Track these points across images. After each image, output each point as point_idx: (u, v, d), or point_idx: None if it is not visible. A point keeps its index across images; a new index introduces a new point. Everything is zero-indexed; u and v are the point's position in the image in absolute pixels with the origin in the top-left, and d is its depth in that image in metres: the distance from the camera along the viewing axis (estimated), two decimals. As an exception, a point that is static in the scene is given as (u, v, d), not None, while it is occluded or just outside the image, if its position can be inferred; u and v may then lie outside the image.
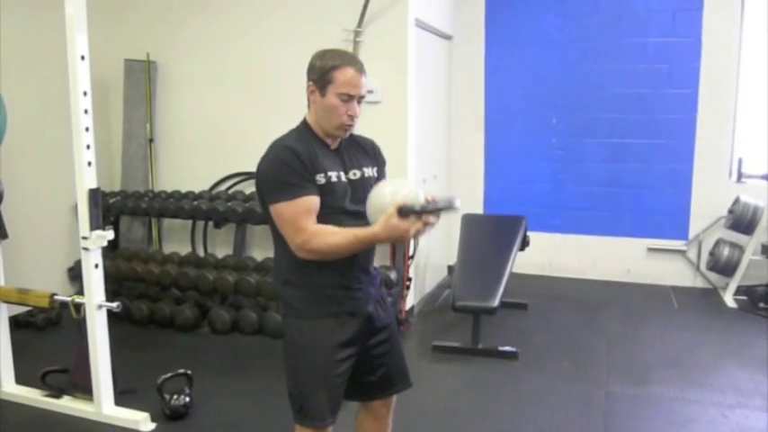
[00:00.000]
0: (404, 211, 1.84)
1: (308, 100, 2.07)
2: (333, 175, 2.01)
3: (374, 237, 1.91)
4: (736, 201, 5.41)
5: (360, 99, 2.03)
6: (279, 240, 2.06)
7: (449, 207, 1.86)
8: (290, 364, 2.11)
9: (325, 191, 1.98)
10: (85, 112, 3.17)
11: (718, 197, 5.60)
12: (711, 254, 5.57)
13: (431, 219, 1.87)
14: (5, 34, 4.54)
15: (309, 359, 2.06)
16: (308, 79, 2.04)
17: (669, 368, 4.04)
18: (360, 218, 1.99)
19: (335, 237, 1.93)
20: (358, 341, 2.11)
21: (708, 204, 5.69)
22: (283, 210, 1.95)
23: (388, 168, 2.27)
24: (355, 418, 2.39)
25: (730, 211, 5.47)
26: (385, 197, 1.91)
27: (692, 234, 5.80)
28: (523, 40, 6.03)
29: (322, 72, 2.00)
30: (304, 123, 2.10)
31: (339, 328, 2.06)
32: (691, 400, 3.61)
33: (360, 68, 2.02)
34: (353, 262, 2.05)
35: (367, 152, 2.18)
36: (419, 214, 1.85)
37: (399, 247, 4.68)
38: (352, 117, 2.02)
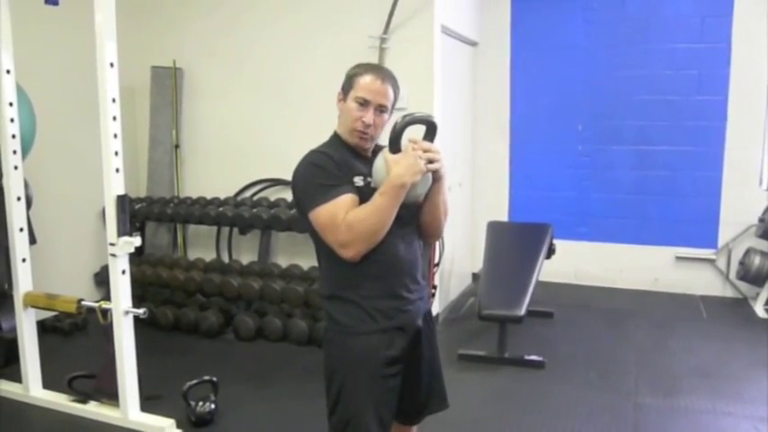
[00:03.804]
0: (391, 141, 1.94)
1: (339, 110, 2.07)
2: (371, 180, 1.97)
3: (390, 182, 1.87)
4: (767, 209, 5.31)
5: (380, 108, 1.98)
6: (322, 253, 2.02)
7: (424, 118, 1.99)
8: (332, 382, 2.02)
9: (365, 194, 1.93)
10: (114, 118, 3.20)
11: (749, 205, 5.51)
12: (741, 263, 5.46)
13: (425, 144, 1.94)
14: (34, 40, 4.60)
15: (356, 377, 1.97)
16: (341, 88, 2.04)
17: (699, 379, 3.96)
18: (401, 222, 1.96)
19: (364, 207, 1.90)
20: (405, 357, 2.04)
21: (738, 212, 5.59)
22: (321, 212, 1.90)
23: None
24: None
25: (761, 220, 5.38)
26: (378, 162, 1.96)
27: (721, 243, 5.70)
28: (549, 47, 5.99)
29: (348, 78, 2.02)
30: (334, 134, 2.08)
31: (388, 343, 1.98)
32: (723, 412, 3.54)
33: (383, 78, 1.99)
34: (400, 267, 2.01)
35: None
36: (402, 130, 1.93)
37: (425, 256, 4.65)
38: (365, 125, 1.97)
